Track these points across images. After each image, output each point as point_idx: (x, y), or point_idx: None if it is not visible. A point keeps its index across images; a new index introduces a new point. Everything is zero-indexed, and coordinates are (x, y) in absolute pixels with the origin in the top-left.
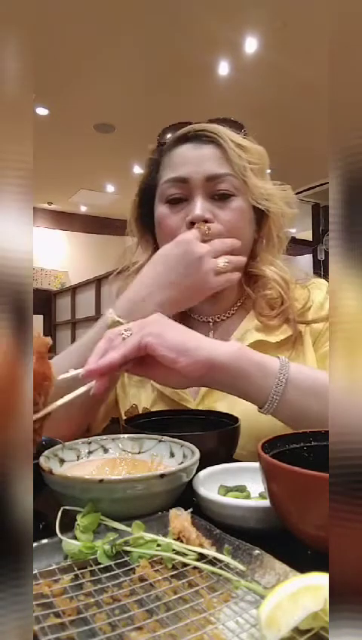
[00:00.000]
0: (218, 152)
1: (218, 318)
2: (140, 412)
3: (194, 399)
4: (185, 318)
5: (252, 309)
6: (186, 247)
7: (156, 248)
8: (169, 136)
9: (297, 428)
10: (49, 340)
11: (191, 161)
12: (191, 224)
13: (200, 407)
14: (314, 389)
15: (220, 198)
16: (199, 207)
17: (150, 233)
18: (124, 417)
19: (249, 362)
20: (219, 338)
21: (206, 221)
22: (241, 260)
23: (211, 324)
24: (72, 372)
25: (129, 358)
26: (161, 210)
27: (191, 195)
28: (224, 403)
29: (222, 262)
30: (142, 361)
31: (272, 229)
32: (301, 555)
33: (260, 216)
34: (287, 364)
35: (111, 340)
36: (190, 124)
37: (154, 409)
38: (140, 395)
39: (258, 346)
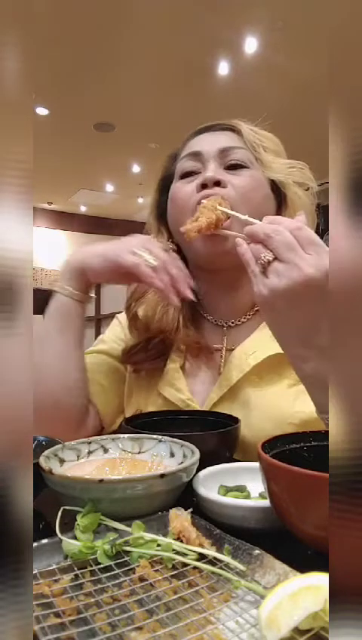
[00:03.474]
0: (233, 134)
1: (232, 322)
2: None
3: (201, 406)
4: (198, 319)
5: None
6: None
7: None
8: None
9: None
10: None
11: (207, 140)
12: (202, 187)
13: None
14: None
15: (233, 168)
16: (210, 169)
17: (165, 225)
18: None
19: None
20: (232, 345)
21: (218, 183)
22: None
23: (225, 328)
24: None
25: None
26: (174, 186)
27: (204, 167)
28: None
29: (148, 254)
30: None
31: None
32: (301, 555)
33: (278, 203)
34: None
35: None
36: None
37: None
38: (147, 401)
39: (275, 360)
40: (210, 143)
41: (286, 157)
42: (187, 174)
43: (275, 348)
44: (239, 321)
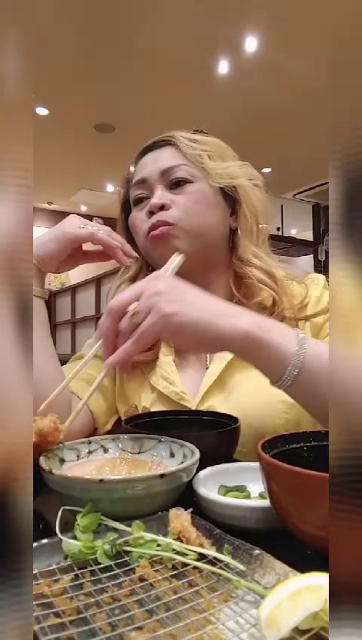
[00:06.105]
0: (172, 150)
1: None
2: (140, 411)
3: (193, 399)
4: None
5: None
6: None
7: (142, 258)
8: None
9: (309, 408)
10: (61, 426)
11: (149, 164)
12: (151, 213)
13: (200, 408)
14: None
15: (177, 185)
16: (156, 196)
17: (135, 244)
18: (124, 417)
19: (261, 347)
20: None
21: (163, 207)
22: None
23: None
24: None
25: (147, 347)
26: (131, 215)
27: (151, 192)
28: (224, 403)
29: (91, 227)
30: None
31: (248, 216)
32: (301, 555)
33: (232, 204)
34: (304, 349)
35: (115, 321)
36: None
37: (153, 409)
38: (140, 395)
39: None
40: (152, 166)
41: (235, 156)
42: (139, 201)
43: None
44: None
